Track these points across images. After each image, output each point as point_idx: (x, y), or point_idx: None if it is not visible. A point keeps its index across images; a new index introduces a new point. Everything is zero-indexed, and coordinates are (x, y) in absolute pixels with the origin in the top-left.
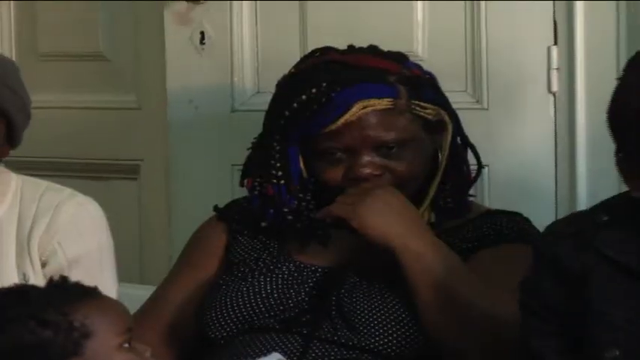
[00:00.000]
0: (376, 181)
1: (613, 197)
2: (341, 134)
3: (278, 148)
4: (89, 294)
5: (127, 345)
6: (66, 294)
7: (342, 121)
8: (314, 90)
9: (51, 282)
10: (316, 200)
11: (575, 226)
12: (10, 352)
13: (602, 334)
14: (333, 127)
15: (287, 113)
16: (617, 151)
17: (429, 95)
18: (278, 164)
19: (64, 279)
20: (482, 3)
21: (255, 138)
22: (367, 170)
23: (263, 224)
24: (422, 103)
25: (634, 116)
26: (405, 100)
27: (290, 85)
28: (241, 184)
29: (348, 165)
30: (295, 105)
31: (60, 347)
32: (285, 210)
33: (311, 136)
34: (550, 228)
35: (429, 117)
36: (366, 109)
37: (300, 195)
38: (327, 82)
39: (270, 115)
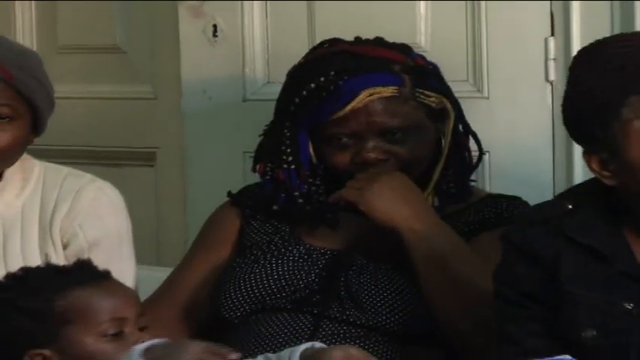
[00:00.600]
0: (382, 165)
1: (577, 186)
2: (348, 120)
3: (288, 134)
4: (86, 280)
5: (112, 333)
6: (61, 279)
7: (349, 107)
8: (322, 79)
9: (50, 267)
10: (325, 185)
11: (543, 215)
12: None
13: (577, 315)
14: (341, 113)
15: (297, 100)
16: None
17: (432, 84)
18: (288, 150)
19: (77, 262)
20: None
21: (266, 125)
22: (373, 155)
23: (275, 208)
24: (425, 92)
25: (590, 108)
26: (409, 88)
27: (300, 75)
28: (253, 170)
29: (355, 150)
30: (305, 93)
31: (36, 333)
32: (296, 194)
33: (319, 123)
34: (519, 218)
35: (433, 105)
36: (372, 96)
37: (310, 180)
38: (335, 71)
39: (280, 103)
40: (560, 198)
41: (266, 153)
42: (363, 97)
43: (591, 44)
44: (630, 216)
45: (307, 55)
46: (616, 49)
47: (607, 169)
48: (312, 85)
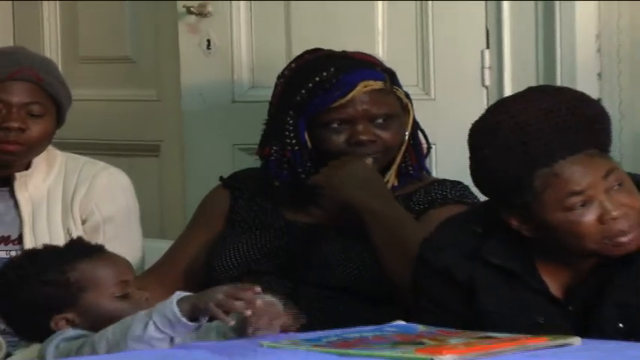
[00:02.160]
0: (371, 146)
1: (484, 211)
2: (346, 107)
3: (291, 122)
4: (88, 253)
5: (120, 295)
6: (68, 254)
7: (349, 97)
8: (325, 73)
9: (52, 247)
10: (316, 167)
11: (454, 238)
12: (21, 305)
13: (494, 329)
14: (343, 101)
15: (303, 92)
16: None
17: (398, 84)
18: (292, 134)
19: (72, 241)
20: (430, 17)
21: (264, 121)
22: (365, 137)
23: (276, 183)
24: (398, 89)
25: (505, 182)
26: (389, 84)
27: (300, 73)
28: (258, 153)
29: (347, 134)
30: (310, 85)
31: (58, 300)
32: (299, 170)
33: (320, 111)
34: (431, 240)
35: (402, 100)
36: (367, 87)
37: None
38: (334, 68)
39: (284, 96)
40: (469, 223)
41: (271, 138)
42: (360, 88)
43: (485, 122)
44: (537, 245)
45: (296, 60)
46: (511, 128)
47: (525, 226)
48: (317, 79)
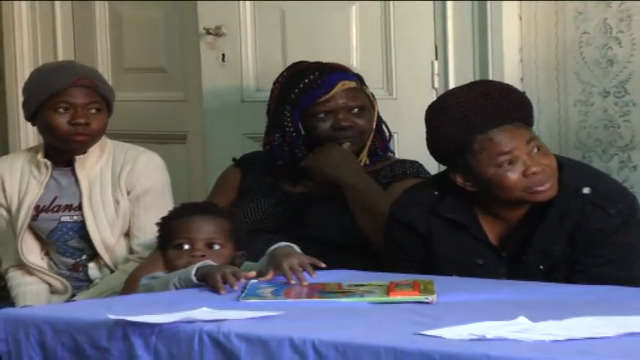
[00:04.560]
0: (350, 130)
1: (439, 176)
2: (329, 102)
3: (288, 115)
4: (186, 213)
5: (186, 247)
6: (181, 210)
7: (331, 93)
8: (312, 76)
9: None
10: (309, 149)
11: (415, 199)
12: None
13: (445, 269)
14: (327, 96)
15: (296, 91)
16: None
17: (365, 84)
18: (290, 124)
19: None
20: (392, 36)
21: (267, 117)
22: (345, 123)
23: (279, 162)
24: (366, 88)
25: (451, 147)
26: (360, 84)
27: (292, 78)
28: (265, 141)
29: (333, 121)
30: (302, 85)
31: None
32: (296, 151)
33: (310, 105)
34: (399, 201)
35: (370, 97)
36: (344, 86)
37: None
38: (318, 72)
39: (282, 95)
40: (428, 188)
41: (274, 128)
42: (339, 87)
43: (437, 103)
44: (480, 201)
45: (289, 69)
46: (456, 106)
47: (469, 182)
48: (306, 81)
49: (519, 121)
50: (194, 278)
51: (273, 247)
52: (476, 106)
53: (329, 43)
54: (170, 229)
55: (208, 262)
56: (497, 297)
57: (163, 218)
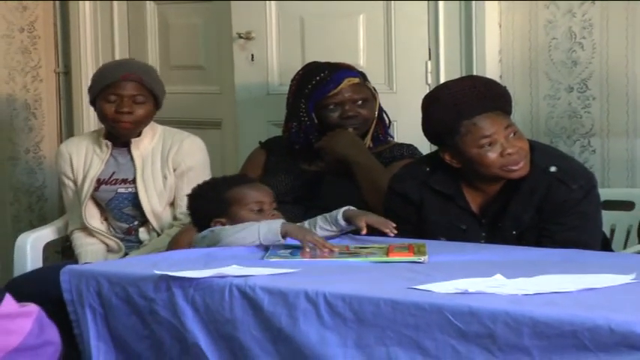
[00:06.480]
0: (355, 119)
1: (431, 155)
2: (337, 95)
3: (303, 107)
4: (240, 182)
5: (256, 210)
6: (228, 181)
7: (339, 88)
8: (322, 74)
9: (221, 178)
10: (320, 135)
11: (410, 174)
12: (195, 213)
13: (434, 232)
14: (336, 91)
15: (309, 86)
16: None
17: (368, 80)
18: (305, 114)
19: (235, 174)
20: (393, 40)
21: (286, 108)
22: (351, 113)
23: (296, 147)
24: (369, 83)
25: (442, 130)
26: (363, 80)
27: (307, 75)
28: (284, 128)
29: (341, 112)
30: (314, 82)
31: (217, 209)
32: (310, 137)
33: (321, 98)
34: (396, 175)
35: (371, 90)
36: (350, 82)
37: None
38: (327, 71)
39: (298, 90)
40: (421, 165)
41: (292, 117)
42: (345, 82)
43: (432, 93)
44: (464, 176)
45: (304, 68)
46: (447, 96)
47: (455, 160)
48: (317, 78)
49: (500, 110)
50: (279, 234)
51: (345, 208)
52: (464, 96)
53: (340, 45)
54: (236, 195)
55: (281, 220)
56: (477, 258)
57: (218, 189)
